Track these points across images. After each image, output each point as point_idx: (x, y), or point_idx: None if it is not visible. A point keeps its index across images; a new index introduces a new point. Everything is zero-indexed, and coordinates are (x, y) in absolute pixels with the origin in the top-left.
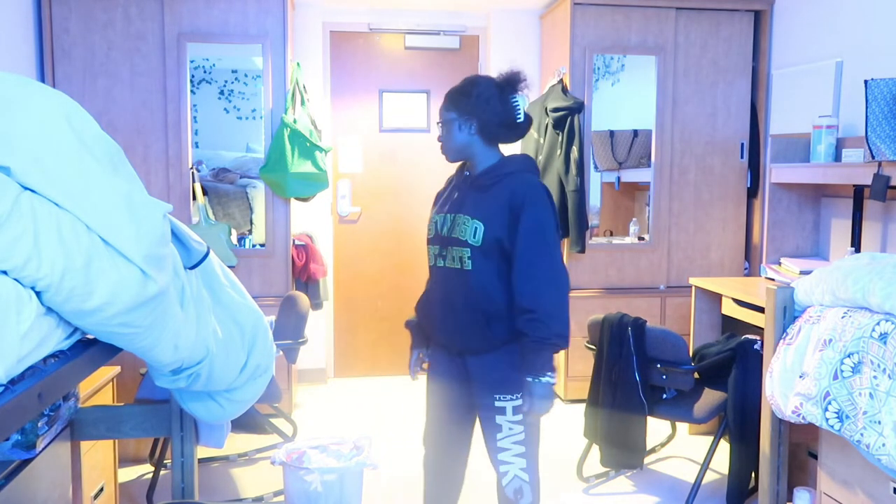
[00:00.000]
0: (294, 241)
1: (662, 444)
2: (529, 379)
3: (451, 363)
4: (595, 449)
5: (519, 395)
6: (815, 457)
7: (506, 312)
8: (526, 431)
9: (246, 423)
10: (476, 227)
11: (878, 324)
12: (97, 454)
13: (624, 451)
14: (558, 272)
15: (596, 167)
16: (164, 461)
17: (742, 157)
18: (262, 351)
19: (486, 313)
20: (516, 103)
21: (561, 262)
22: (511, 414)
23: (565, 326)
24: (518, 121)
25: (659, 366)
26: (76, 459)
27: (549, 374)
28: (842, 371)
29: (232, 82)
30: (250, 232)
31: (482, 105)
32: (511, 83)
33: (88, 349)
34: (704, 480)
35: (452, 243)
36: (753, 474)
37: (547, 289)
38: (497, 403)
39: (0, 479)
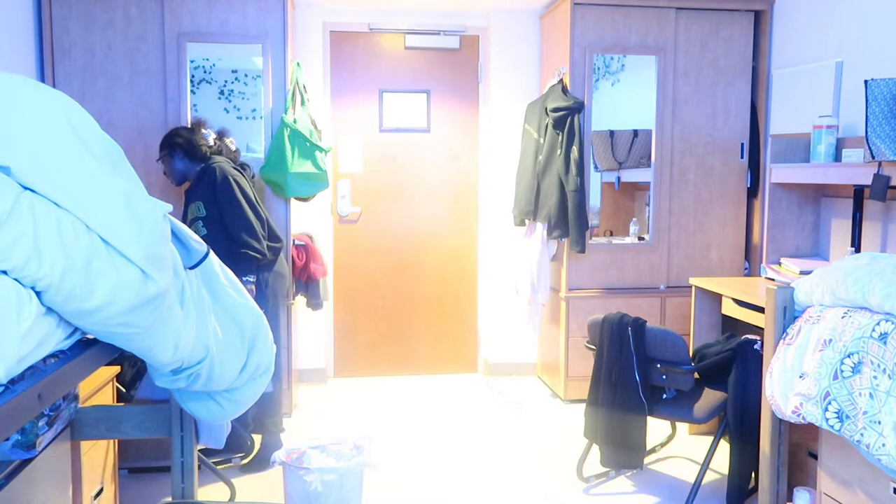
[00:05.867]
0: (294, 241)
1: (662, 444)
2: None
3: None
4: (595, 449)
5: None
6: (815, 457)
7: (230, 256)
8: None
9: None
10: (199, 205)
11: (878, 324)
12: (97, 454)
13: (624, 451)
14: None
15: (596, 167)
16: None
17: (742, 157)
18: (262, 351)
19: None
20: (206, 134)
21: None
22: None
23: (257, 241)
24: (210, 145)
25: (659, 366)
26: (76, 459)
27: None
28: (842, 371)
29: (232, 82)
30: None
31: (180, 137)
32: (199, 123)
33: (88, 349)
34: (704, 480)
35: (191, 225)
36: (753, 474)
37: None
38: None
39: (0, 479)
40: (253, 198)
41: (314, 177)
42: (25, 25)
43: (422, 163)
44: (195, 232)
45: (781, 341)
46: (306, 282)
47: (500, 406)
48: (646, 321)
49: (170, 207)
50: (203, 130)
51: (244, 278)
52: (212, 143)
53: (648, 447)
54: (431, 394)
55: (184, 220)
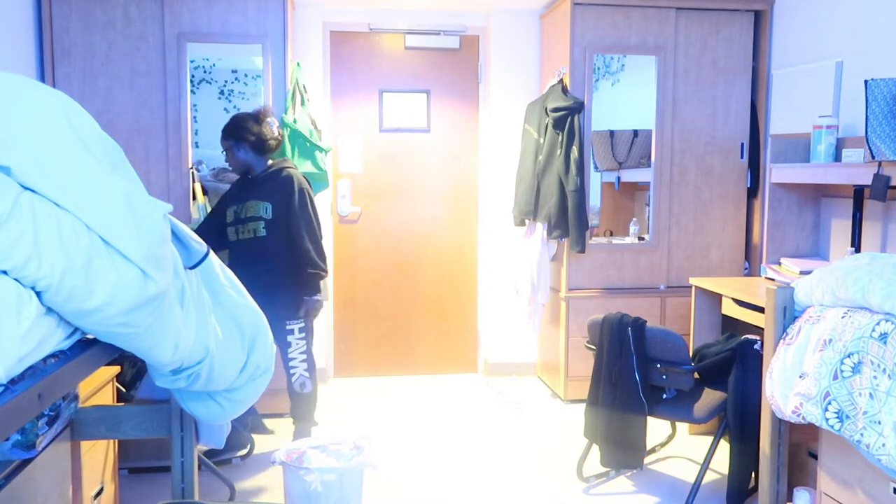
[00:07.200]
0: None
1: (662, 444)
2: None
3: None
4: (595, 449)
5: (301, 318)
6: (815, 457)
7: (287, 264)
8: (306, 342)
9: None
10: (266, 206)
11: (878, 324)
12: (97, 454)
13: (624, 451)
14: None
15: (596, 167)
16: None
17: (742, 157)
18: (262, 351)
19: (277, 266)
20: (271, 123)
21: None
22: (298, 333)
23: (322, 261)
24: (276, 137)
25: (659, 366)
26: (76, 459)
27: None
28: (842, 371)
29: (232, 82)
30: None
31: (250, 132)
32: (265, 112)
33: (88, 349)
34: (704, 480)
35: (248, 221)
36: (753, 474)
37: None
38: (287, 327)
39: (0, 479)
40: (318, 215)
41: (314, 177)
42: (25, 25)
43: (422, 163)
44: (253, 231)
45: (781, 341)
46: None
47: (499, 406)
48: (646, 321)
49: (170, 207)
50: (268, 119)
51: (315, 297)
52: (276, 134)
53: (648, 447)
54: (431, 394)
55: (237, 213)
